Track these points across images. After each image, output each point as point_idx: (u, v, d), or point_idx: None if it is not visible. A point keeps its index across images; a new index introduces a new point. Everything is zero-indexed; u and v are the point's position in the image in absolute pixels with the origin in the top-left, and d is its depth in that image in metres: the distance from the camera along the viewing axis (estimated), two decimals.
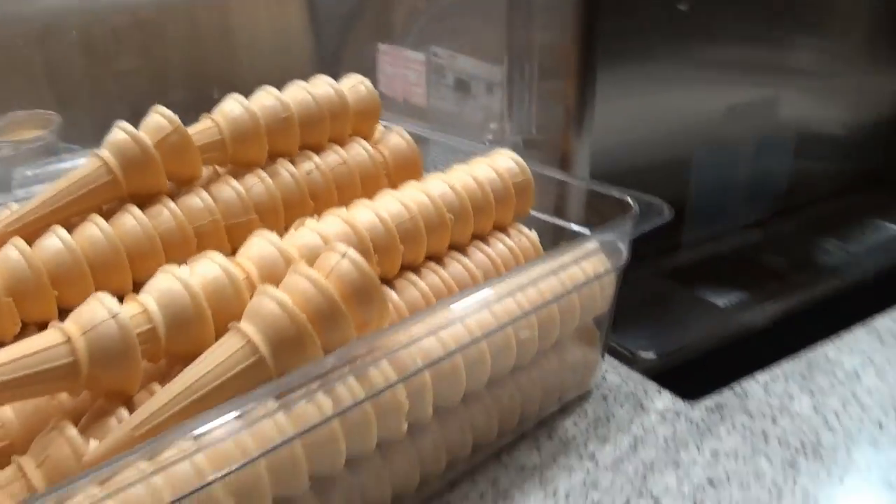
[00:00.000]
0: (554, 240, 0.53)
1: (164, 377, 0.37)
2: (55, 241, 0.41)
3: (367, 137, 0.55)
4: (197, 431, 0.31)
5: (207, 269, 0.38)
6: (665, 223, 0.46)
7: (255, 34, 0.76)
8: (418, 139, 0.56)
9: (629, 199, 0.49)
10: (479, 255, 0.49)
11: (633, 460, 0.46)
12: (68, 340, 0.34)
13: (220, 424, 0.31)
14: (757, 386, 0.53)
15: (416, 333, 0.39)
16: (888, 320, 0.62)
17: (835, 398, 0.52)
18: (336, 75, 0.54)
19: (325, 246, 0.39)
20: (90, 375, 0.34)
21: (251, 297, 0.37)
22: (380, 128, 0.57)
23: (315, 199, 0.50)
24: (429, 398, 0.41)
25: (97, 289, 0.42)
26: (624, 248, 0.48)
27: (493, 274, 0.49)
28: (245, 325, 0.35)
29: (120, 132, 0.44)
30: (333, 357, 0.36)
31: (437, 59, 0.70)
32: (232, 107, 0.49)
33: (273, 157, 0.50)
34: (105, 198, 0.44)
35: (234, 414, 0.32)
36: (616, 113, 0.61)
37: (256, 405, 0.33)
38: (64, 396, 0.37)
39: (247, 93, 0.50)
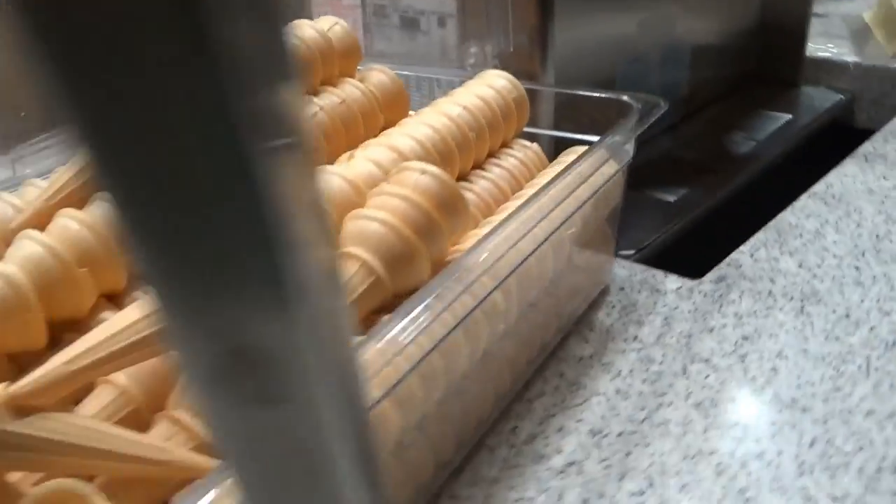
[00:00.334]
0: (555, 152, 0.55)
1: None
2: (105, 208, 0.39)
3: (351, 77, 0.55)
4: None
5: None
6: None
7: None
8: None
9: (627, 99, 0.52)
10: (498, 170, 0.51)
11: (672, 334, 0.50)
12: None
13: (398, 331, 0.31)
14: (745, 256, 0.59)
15: (500, 244, 0.41)
16: (823, 185, 0.70)
17: (811, 254, 0.59)
18: None
19: (401, 165, 0.40)
20: None
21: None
22: (359, 68, 0.57)
23: (326, 141, 0.50)
24: (514, 304, 0.43)
25: None
26: (630, 147, 0.51)
27: (515, 187, 0.51)
28: (354, 250, 0.36)
29: None
30: (456, 271, 0.37)
31: (375, 0, 0.70)
32: None
33: None
34: None
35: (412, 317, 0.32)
36: (574, 32, 0.64)
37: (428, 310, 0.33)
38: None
39: None
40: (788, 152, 0.89)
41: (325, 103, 0.51)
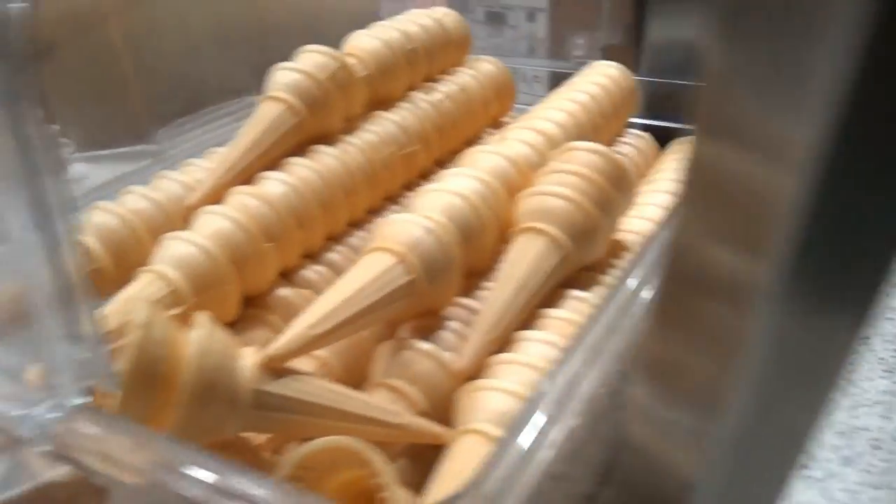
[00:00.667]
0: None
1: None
2: (279, 185, 0.39)
3: (462, 66, 0.56)
4: None
5: (466, 183, 0.39)
6: None
7: None
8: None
9: None
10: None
11: None
12: (402, 260, 0.33)
13: None
14: None
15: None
16: None
17: None
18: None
19: (567, 146, 0.40)
20: (421, 292, 0.34)
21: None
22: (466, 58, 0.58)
23: (450, 128, 0.51)
24: None
25: (326, 226, 0.41)
26: None
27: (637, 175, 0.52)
28: (540, 225, 0.36)
29: (292, 73, 0.43)
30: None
31: None
32: (369, 41, 0.48)
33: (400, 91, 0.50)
34: (291, 141, 0.42)
35: None
36: (667, 28, 0.65)
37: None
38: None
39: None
40: None
41: (447, 90, 0.52)
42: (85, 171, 0.46)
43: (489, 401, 0.30)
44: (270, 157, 0.41)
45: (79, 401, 0.24)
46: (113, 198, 0.39)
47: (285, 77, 0.43)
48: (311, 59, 0.44)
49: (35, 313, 0.23)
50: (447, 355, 0.33)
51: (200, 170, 0.42)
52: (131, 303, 0.31)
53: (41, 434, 0.24)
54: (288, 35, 0.53)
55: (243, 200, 0.38)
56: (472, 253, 0.37)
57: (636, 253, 0.34)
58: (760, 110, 0.13)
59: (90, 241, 0.36)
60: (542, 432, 0.23)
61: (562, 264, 0.36)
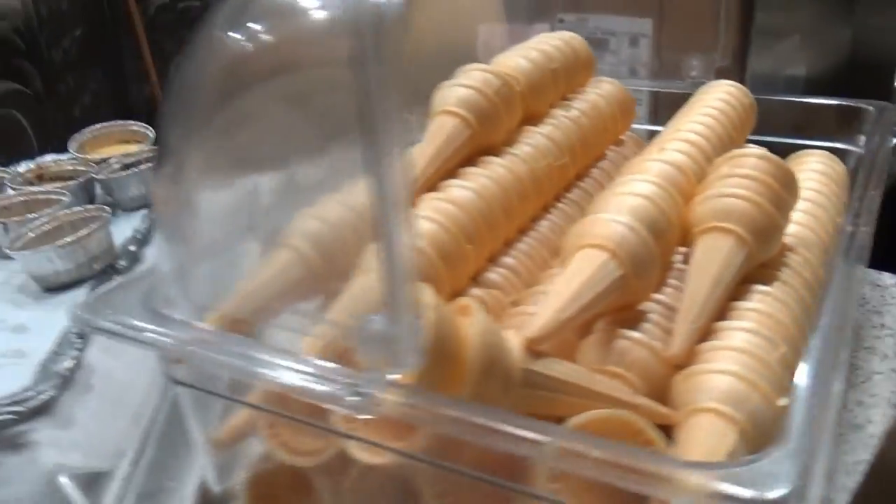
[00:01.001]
0: None
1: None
2: (466, 192, 0.42)
3: (586, 87, 0.59)
4: None
5: (647, 187, 0.41)
6: None
7: None
8: None
9: (862, 104, 0.56)
10: None
11: None
12: (614, 256, 0.35)
13: None
14: None
15: None
16: None
17: None
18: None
19: (732, 153, 0.43)
20: (629, 286, 0.36)
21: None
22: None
23: (585, 144, 0.53)
24: None
25: (506, 230, 0.43)
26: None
27: None
28: (726, 224, 0.39)
29: (462, 89, 0.45)
30: None
31: (562, 25, 0.74)
32: (518, 61, 0.51)
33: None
34: (464, 153, 0.45)
35: None
36: (769, 51, 0.68)
37: None
38: None
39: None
40: None
41: (581, 108, 0.54)
42: None
43: (714, 382, 0.32)
44: (447, 168, 0.44)
45: (394, 376, 0.26)
46: None
47: (456, 93, 0.45)
48: (478, 76, 0.46)
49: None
50: (658, 344, 0.35)
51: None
52: (370, 293, 0.33)
53: (362, 407, 0.26)
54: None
55: (438, 205, 0.40)
56: (662, 251, 0.39)
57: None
58: None
59: (305, 246, 0.38)
60: None
61: (746, 261, 0.38)
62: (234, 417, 0.36)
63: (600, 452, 0.24)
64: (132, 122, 0.76)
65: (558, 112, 0.53)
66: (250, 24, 0.33)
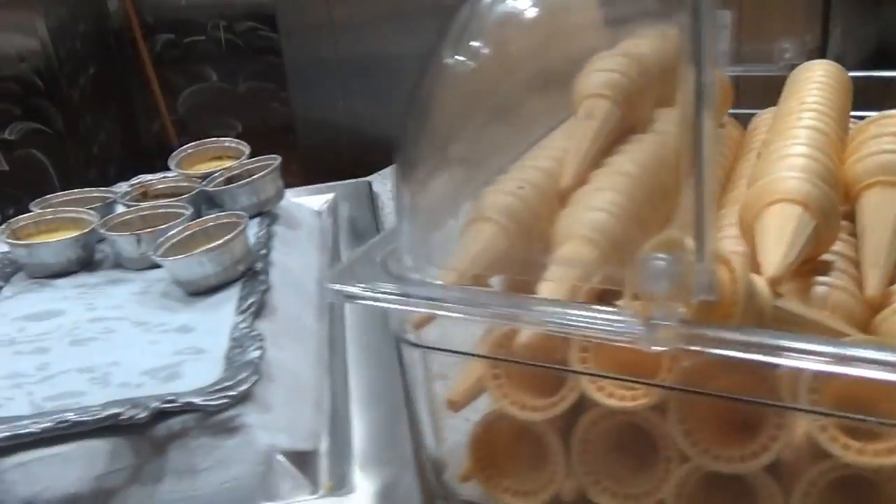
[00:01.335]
0: None
1: None
2: (635, 167, 0.44)
3: None
4: None
5: (806, 150, 0.44)
6: None
7: None
8: None
9: None
10: None
11: None
12: (807, 208, 0.38)
13: None
14: None
15: None
16: None
17: None
18: None
19: (875, 116, 0.46)
20: (820, 237, 0.38)
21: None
22: None
23: None
24: None
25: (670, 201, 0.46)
26: None
27: None
28: (891, 178, 0.42)
29: (608, 73, 0.48)
30: None
31: None
32: (640, 50, 0.54)
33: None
34: (616, 132, 0.48)
35: None
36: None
37: None
38: None
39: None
40: None
41: None
42: None
43: None
44: (604, 148, 0.46)
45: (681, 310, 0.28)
46: None
47: (601, 77, 0.48)
48: (616, 61, 0.49)
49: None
50: (854, 287, 0.38)
51: (547, 159, 0.47)
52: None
53: (659, 339, 0.28)
54: None
55: (616, 180, 0.43)
56: None
57: None
58: None
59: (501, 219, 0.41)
60: None
61: None
62: (464, 378, 0.38)
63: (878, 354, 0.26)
64: (226, 139, 0.78)
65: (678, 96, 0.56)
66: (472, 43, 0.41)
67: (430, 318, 0.36)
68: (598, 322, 0.30)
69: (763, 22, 0.71)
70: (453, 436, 0.39)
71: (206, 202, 0.71)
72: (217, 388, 0.43)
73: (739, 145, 0.62)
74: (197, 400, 0.42)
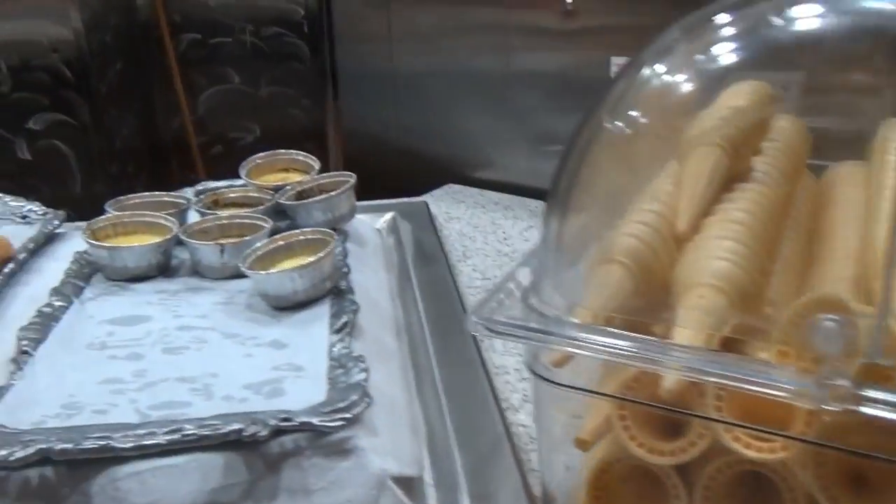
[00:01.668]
0: None
1: None
2: (747, 216, 0.45)
3: None
4: None
5: None
6: None
7: None
8: None
9: None
10: None
11: None
12: None
13: None
14: None
15: None
16: None
17: None
18: None
19: None
20: None
21: None
22: None
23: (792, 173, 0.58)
24: None
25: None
26: None
27: None
28: None
29: (715, 122, 0.49)
30: None
31: None
32: (738, 103, 0.55)
33: None
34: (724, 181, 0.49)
35: None
36: None
37: None
38: None
39: None
40: None
41: (781, 142, 0.59)
42: None
43: None
44: (714, 194, 0.47)
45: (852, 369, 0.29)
46: None
47: (712, 125, 0.49)
48: (723, 112, 0.50)
49: None
50: None
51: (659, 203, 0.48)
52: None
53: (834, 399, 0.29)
54: None
55: (734, 228, 0.44)
56: None
57: None
58: None
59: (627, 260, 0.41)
60: None
61: None
62: (593, 418, 0.39)
63: None
64: (296, 151, 0.78)
65: (766, 146, 0.57)
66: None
67: (570, 357, 0.37)
68: (753, 374, 0.31)
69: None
70: (565, 472, 0.40)
71: (276, 214, 0.71)
72: (331, 409, 0.43)
73: (815, 196, 0.64)
74: (314, 420, 0.42)
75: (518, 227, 0.87)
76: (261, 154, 0.78)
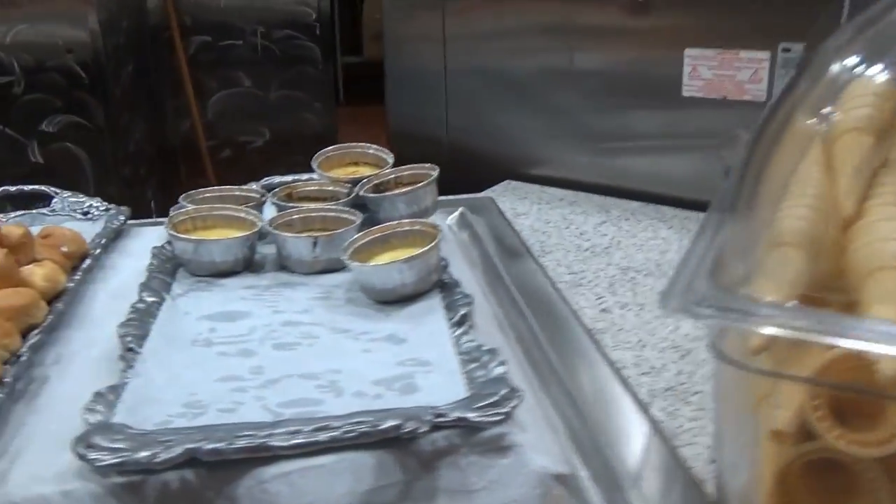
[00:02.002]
0: None
1: None
2: None
3: None
4: None
5: None
6: None
7: None
8: None
9: None
10: None
11: None
12: None
13: None
14: None
15: None
16: None
17: None
18: None
19: None
20: None
21: None
22: None
23: None
24: None
25: None
26: None
27: None
28: None
29: (863, 109, 0.47)
30: None
31: (787, 54, 0.77)
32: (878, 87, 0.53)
33: None
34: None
35: None
36: None
37: None
38: None
39: None
40: None
41: None
42: None
43: None
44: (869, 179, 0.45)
45: None
46: None
47: (862, 113, 0.47)
48: (869, 99, 0.48)
49: None
50: None
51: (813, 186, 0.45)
52: None
53: None
54: None
55: None
56: None
57: None
58: None
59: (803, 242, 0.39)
60: None
61: None
62: (786, 408, 0.36)
63: None
64: (366, 144, 0.75)
65: None
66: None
67: (771, 342, 0.34)
68: None
69: None
70: (744, 469, 0.37)
71: (355, 207, 0.69)
72: (483, 403, 0.41)
73: None
74: (470, 416, 0.39)
75: (591, 222, 0.84)
76: (331, 147, 0.76)
